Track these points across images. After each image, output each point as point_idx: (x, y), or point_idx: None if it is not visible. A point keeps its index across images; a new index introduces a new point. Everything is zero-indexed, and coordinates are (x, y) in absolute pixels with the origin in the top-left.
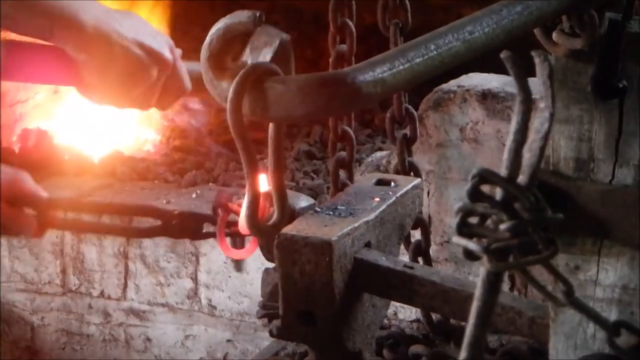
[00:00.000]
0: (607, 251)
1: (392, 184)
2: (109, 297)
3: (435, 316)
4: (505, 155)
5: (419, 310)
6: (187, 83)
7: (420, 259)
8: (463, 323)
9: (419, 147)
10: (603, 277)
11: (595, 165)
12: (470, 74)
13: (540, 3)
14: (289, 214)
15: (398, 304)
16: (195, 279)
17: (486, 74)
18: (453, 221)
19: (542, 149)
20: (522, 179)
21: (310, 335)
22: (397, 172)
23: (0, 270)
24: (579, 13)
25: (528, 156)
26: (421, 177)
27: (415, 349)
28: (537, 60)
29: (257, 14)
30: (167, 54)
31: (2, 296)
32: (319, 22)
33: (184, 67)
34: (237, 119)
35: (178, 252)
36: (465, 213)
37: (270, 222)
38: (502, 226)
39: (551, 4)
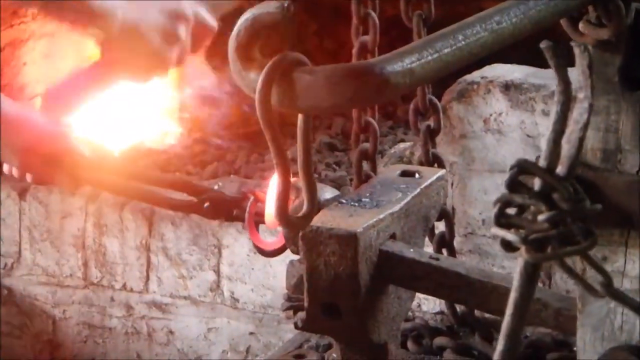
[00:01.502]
0: (634, 242)
1: (417, 175)
2: (131, 290)
3: (459, 308)
4: (545, 146)
5: (442, 302)
6: (212, 22)
7: (444, 251)
8: (487, 315)
9: (442, 138)
10: (630, 268)
11: (622, 156)
12: (494, 65)
13: None
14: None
15: (421, 296)
16: (217, 272)
17: (509, 65)
18: (476, 213)
19: (581, 139)
20: (560, 169)
21: (335, 327)
22: (420, 164)
23: (21, 262)
24: (605, 3)
25: (567, 147)
26: (445, 169)
27: (440, 341)
28: (576, 51)
29: (286, 4)
30: (187, 9)
31: (23, 289)
32: (338, 13)
33: (205, 9)
34: (265, 110)
35: (200, 245)
36: (504, 204)
37: (300, 213)
38: (541, 217)
39: None
